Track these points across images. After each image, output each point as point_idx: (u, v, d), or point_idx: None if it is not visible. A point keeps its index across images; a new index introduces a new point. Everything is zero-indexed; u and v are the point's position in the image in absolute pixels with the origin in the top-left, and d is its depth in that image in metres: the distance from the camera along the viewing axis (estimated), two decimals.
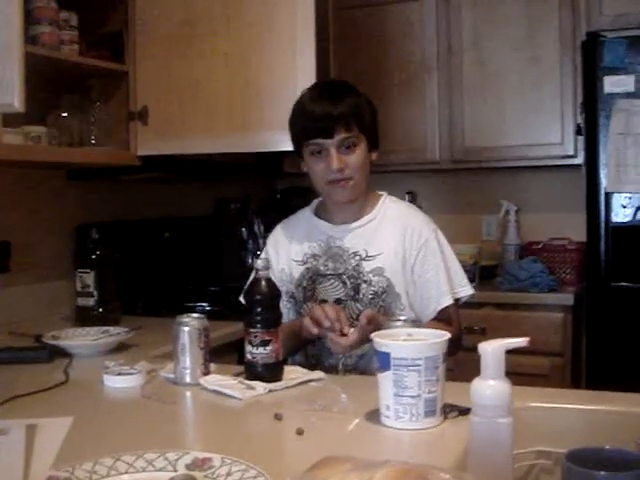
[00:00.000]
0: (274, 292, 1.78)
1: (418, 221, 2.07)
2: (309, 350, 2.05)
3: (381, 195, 2.13)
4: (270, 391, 1.69)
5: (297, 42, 2.66)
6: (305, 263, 2.06)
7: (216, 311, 2.90)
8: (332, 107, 1.92)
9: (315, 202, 2.16)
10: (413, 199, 4.08)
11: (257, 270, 1.77)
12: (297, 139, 2.01)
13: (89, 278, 2.65)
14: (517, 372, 2.99)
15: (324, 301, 2.00)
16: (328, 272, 2.03)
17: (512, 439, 1.05)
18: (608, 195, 3.17)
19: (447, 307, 2.02)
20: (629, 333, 3.13)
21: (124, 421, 1.56)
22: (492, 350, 1.06)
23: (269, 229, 3.76)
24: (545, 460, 1.46)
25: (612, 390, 1.66)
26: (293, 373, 1.80)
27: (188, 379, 1.78)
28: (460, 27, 3.72)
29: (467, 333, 3.31)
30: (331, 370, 1.96)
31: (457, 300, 2.06)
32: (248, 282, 1.85)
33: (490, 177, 3.99)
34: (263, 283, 1.76)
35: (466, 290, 2.08)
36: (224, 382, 1.74)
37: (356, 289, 2.00)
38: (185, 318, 1.81)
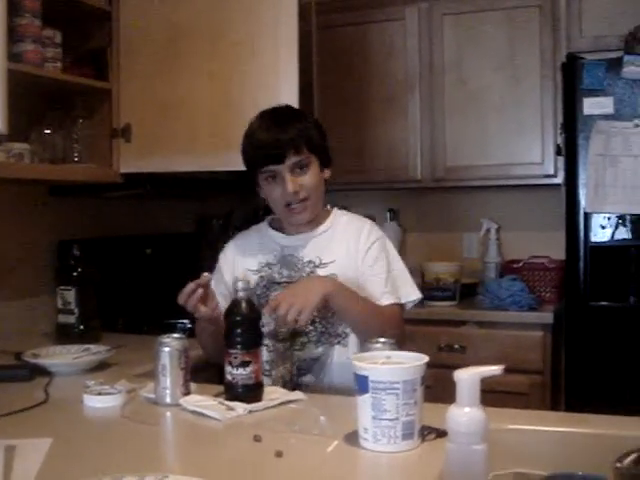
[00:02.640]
0: (254, 313, 1.79)
1: (368, 225, 2.14)
2: (264, 356, 2.01)
3: (331, 209, 2.18)
4: (250, 412, 1.70)
5: (280, 61, 2.69)
6: (259, 272, 2.10)
7: None
8: (280, 133, 1.98)
9: (267, 218, 2.22)
10: (395, 217, 4.12)
11: (237, 291, 1.78)
12: (251, 167, 2.06)
13: (70, 295, 2.65)
14: (497, 390, 3.01)
15: None
16: (283, 280, 2.07)
17: (487, 465, 1.06)
18: (587, 215, 3.20)
19: (388, 305, 2.04)
20: (607, 352, 3.16)
21: (104, 442, 1.56)
22: (467, 378, 1.08)
23: None
24: None
25: (591, 408, 1.68)
26: (273, 394, 1.81)
27: (168, 399, 1.78)
28: (442, 46, 3.76)
29: (447, 351, 3.37)
30: (285, 374, 2.02)
31: (402, 305, 2.09)
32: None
33: (471, 195, 4.03)
34: (243, 304, 1.77)
35: (412, 296, 2.11)
36: (204, 403, 1.74)
37: None
38: (166, 339, 1.81)
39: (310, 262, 2.07)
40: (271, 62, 2.71)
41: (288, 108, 2.14)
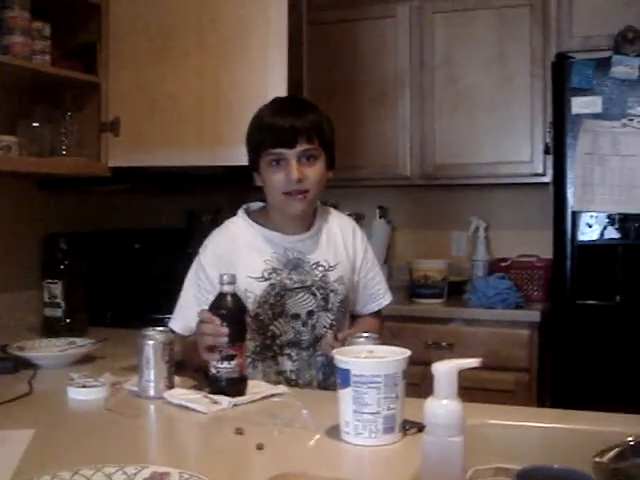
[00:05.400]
0: (239, 307, 1.79)
1: (352, 223, 2.19)
2: (286, 366, 2.02)
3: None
4: (235, 405, 1.70)
5: (269, 58, 2.69)
6: (267, 279, 1.99)
7: None
8: (295, 119, 1.92)
9: (242, 212, 2.10)
10: (384, 214, 4.11)
11: (222, 285, 1.78)
12: (255, 149, 1.99)
13: (57, 289, 2.65)
14: (484, 388, 3.04)
15: (296, 315, 2.00)
16: (295, 285, 2.00)
17: (463, 457, 1.07)
18: (575, 214, 3.22)
19: (384, 307, 2.21)
20: (594, 350, 3.17)
21: (86, 434, 1.56)
22: (445, 370, 1.08)
23: None
24: (504, 477, 1.48)
25: (577, 406, 1.68)
26: (257, 387, 1.81)
27: (152, 392, 1.78)
28: (433, 44, 3.76)
29: (435, 348, 3.38)
30: (312, 380, 2.02)
31: None
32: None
33: (460, 193, 4.03)
34: (229, 298, 1.77)
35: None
36: (188, 396, 1.74)
37: (326, 299, 2.03)
38: (149, 332, 1.81)
39: (319, 265, 2.03)
40: (260, 58, 2.71)
41: (303, 99, 2.12)
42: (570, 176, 3.21)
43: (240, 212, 2.10)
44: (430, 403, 1.08)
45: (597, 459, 1.24)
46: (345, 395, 1.41)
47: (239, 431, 1.49)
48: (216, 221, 3.71)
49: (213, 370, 1.76)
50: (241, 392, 1.77)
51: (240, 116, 2.68)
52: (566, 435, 1.54)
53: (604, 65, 3.16)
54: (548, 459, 1.39)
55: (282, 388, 1.81)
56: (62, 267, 2.67)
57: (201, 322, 1.77)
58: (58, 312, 2.65)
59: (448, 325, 3.45)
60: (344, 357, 1.43)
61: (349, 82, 3.88)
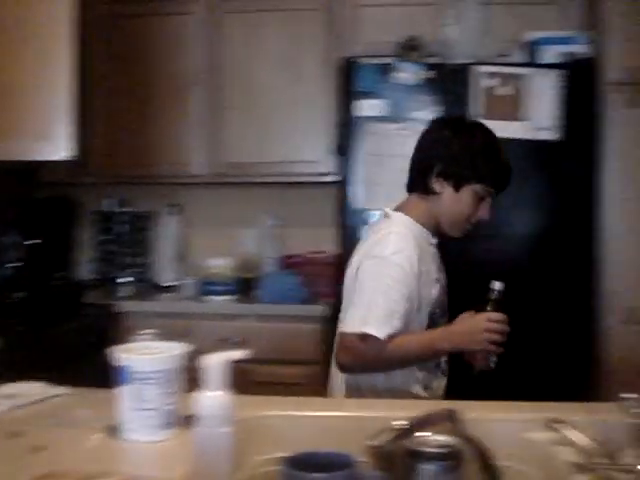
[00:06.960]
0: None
1: None
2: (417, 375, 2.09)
3: None
4: (15, 407, 1.65)
5: (55, 51, 2.62)
6: (438, 280, 2.13)
7: None
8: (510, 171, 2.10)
9: (408, 219, 2.14)
10: (179, 212, 4.10)
11: (494, 291, 1.97)
12: (481, 178, 2.06)
13: None
14: (274, 382, 3.08)
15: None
16: (446, 283, 2.18)
17: (232, 447, 1.11)
18: (360, 212, 3.35)
19: None
20: None
21: None
22: (213, 363, 1.12)
23: (27, 238, 3.62)
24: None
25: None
26: (37, 389, 1.77)
27: None
28: (226, 44, 3.79)
29: (227, 344, 3.40)
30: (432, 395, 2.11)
31: None
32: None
33: (252, 192, 4.08)
34: (499, 299, 1.97)
35: None
36: None
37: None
38: None
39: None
40: (46, 51, 2.64)
41: None
42: (356, 176, 3.34)
43: (403, 219, 2.15)
44: (199, 395, 1.11)
45: (369, 442, 1.33)
46: (124, 392, 1.41)
47: (16, 433, 1.45)
48: None
49: (487, 363, 1.98)
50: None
51: (24, 110, 2.62)
52: (341, 422, 1.61)
53: (387, 70, 3.31)
54: (325, 445, 1.46)
55: (63, 389, 1.77)
56: None
57: (491, 320, 1.94)
58: None
59: (240, 321, 3.50)
60: (122, 354, 1.43)
61: (144, 77, 3.84)
